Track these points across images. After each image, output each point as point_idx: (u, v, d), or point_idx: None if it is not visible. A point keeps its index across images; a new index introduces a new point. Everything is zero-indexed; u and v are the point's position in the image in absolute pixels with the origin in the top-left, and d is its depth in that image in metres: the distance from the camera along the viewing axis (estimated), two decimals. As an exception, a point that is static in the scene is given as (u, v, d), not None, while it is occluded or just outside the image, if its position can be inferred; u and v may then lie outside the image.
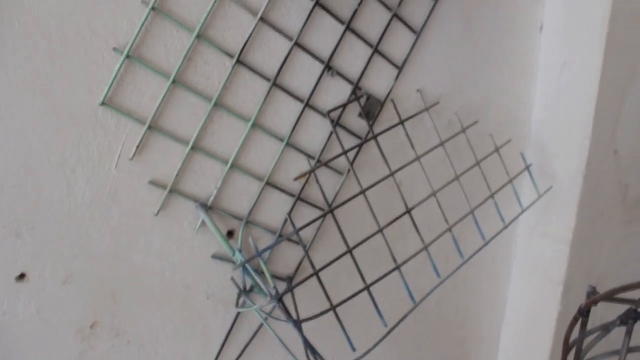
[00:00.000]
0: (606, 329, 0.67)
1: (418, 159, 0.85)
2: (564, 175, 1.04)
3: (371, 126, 0.84)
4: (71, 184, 0.68)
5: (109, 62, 0.67)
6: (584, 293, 0.70)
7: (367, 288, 0.74)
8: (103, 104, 0.67)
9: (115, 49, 0.66)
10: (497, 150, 0.95)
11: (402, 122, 0.85)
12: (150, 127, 0.70)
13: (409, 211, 0.83)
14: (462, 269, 0.84)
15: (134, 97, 0.69)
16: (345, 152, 0.79)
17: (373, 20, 0.82)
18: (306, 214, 0.84)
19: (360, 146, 0.82)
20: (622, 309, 0.66)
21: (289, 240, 0.83)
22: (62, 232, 0.68)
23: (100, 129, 0.68)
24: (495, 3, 0.94)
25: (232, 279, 0.79)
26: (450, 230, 0.86)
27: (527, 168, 1.01)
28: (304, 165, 0.82)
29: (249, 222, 0.80)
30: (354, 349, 0.68)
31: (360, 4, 0.79)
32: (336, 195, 0.85)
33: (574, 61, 1.00)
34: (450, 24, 0.90)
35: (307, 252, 0.72)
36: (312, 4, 0.76)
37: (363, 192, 0.78)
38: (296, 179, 0.75)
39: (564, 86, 1.02)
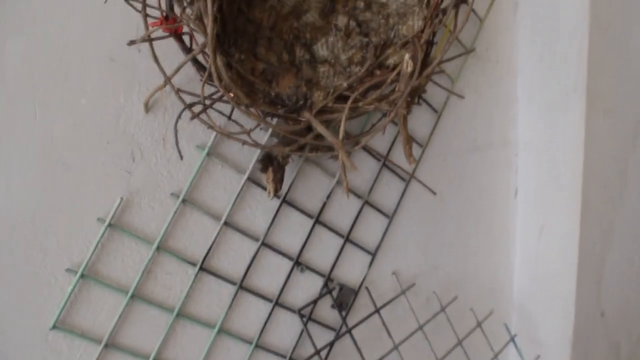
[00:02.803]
0: None
1: (396, 347, 0.79)
2: (551, 341, 0.97)
3: (344, 318, 0.78)
4: (16, 415, 0.60)
5: (61, 283, 0.62)
6: None
7: None
8: (54, 327, 0.61)
9: (68, 270, 0.61)
10: (479, 325, 0.90)
11: (377, 310, 0.79)
12: (106, 345, 0.64)
13: (389, 409, 0.76)
14: None
15: (88, 316, 0.63)
16: (317, 352, 0.73)
17: (343, 210, 0.78)
18: (279, 413, 0.77)
19: (332, 343, 0.76)
20: None
21: None
22: None
23: (51, 353, 0.62)
24: (466, 174, 0.92)
25: None
26: (434, 423, 0.78)
27: (512, 339, 0.95)
28: (274, 364, 0.75)
29: None
30: None
31: (328, 197, 0.76)
32: (311, 393, 0.78)
33: (552, 225, 0.96)
34: (422, 201, 0.86)
35: None
36: (278, 203, 0.72)
37: (338, 394, 0.72)
38: (265, 390, 0.69)
39: (544, 250, 0.97)
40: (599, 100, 0.91)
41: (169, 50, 0.61)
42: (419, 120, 0.83)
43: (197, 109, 0.57)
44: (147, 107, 0.63)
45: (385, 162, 0.79)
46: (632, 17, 0.94)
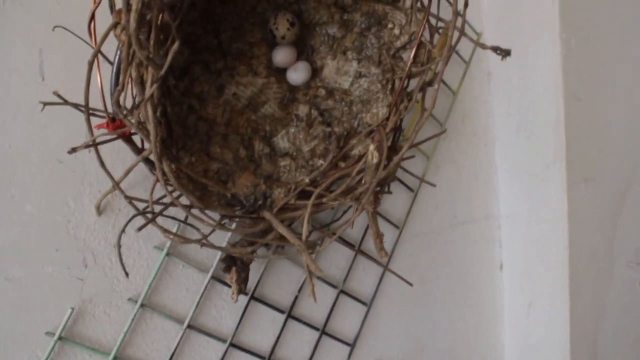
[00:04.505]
0: None
1: None
2: (548, 423, 0.90)
3: (324, 418, 0.71)
4: None
5: (5, 407, 0.55)
6: None
7: None
8: None
9: (12, 392, 0.55)
10: (470, 413, 0.82)
11: (359, 407, 0.72)
12: None
13: None
14: None
15: None
16: None
17: (317, 301, 0.72)
18: None
19: None
20: None
21: None
22: None
23: None
24: (448, 252, 0.87)
25: None
26: None
27: None
28: None
29: None
30: None
31: (300, 290, 0.70)
32: None
33: (540, 300, 0.90)
34: (402, 284, 0.80)
35: None
36: (246, 300, 0.66)
37: None
38: None
39: (534, 327, 0.91)
40: (579, 170, 0.87)
41: (122, 147, 0.56)
42: (394, 199, 0.79)
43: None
44: (99, 210, 0.58)
45: (358, 252, 0.74)
46: (606, 85, 0.91)
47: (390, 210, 0.79)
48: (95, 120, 0.51)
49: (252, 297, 0.67)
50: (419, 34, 0.55)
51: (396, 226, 0.79)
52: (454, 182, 0.87)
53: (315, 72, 0.61)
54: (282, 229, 0.54)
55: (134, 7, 0.39)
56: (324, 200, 0.56)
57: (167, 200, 0.53)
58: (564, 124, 0.86)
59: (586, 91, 0.89)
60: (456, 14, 0.55)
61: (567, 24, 0.87)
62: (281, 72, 0.60)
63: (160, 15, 0.44)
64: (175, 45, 0.42)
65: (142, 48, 0.41)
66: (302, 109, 0.60)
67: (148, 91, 0.43)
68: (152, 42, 0.43)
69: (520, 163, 0.92)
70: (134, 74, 0.45)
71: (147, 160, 0.55)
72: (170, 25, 0.44)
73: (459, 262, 0.88)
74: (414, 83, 0.60)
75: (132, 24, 0.39)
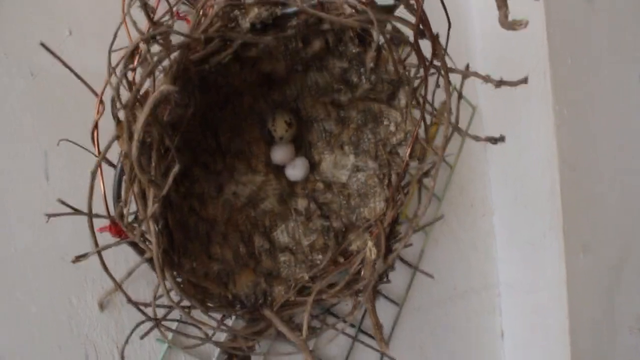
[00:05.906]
0: None
1: None
2: None
3: None
4: None
5: None
6: None
7: None
8: None
9: None
10: None
11: None
12: None
13: None
14: None
15: None
16: None
17: (318, 383, 0.72)
18: None
19: None
20: None
21: None
22: None
23: None
24: (449, 323, 0.86)
25: None
26: None
27: None
28: None
29: None
30: None
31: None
32: None
33: (542, 370, 0.90)
34: (402, 356, 0.80)
35: None
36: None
37: None
38: None
39: (537, 397, 0.90)
40: (576, 238, 0.87)
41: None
42: (393, 276, 0.78)
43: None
44: (102, 306, 0.59)
45: (356, 340, 0.74)
46: (599, 155, 0.92)
47: (389, 286, 0.79)
48: (98, 221, 0.51)
49: (254, 377, 0.67)
50: (415, 133, 0.56)
51: (396, 303, 0.79)
52: (453, 254, 0.88)
53: (313, 166, 0.62)
54: (282, 328, 0.54)
55: (135, 137, 0.40)
56: (323, 296, 0.56)
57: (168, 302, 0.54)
58: (560, 193, 0.86)
59: (580, 161, 0.89)
60: (449, 112, 0.56)
61: (560, 95, 0.88)
62: (280, 168, 0.61)
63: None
64: (176, 168, 0.43)
65: (144, 172, 0.42)
66: (301, 203, 0.61)
67: (150, 210, 0.44)
68: (153, 163, 0.44)
69: (518, 232, 0.92)
70: (135, 190, 0.46)
71: (149, 260, 0.55)
72: (172, 137, 0.45)
73: (460, 332, 0.88)
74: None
75: (134, 152, 0.40)
